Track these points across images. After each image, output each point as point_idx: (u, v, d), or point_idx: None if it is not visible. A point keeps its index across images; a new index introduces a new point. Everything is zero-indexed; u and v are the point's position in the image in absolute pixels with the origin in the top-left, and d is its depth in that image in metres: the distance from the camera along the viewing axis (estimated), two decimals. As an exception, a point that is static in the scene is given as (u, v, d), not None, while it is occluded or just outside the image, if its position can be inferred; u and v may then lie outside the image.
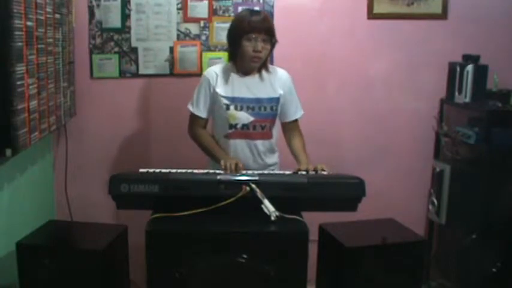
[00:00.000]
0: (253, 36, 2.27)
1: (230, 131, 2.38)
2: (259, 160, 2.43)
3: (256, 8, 2.94)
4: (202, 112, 2.42)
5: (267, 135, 2.42)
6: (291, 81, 2.47)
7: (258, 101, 2.37)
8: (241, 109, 2.36)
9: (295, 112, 2.48)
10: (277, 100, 2.40)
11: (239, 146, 2.39)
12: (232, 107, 2.35)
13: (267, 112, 2.38)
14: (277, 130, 2.49)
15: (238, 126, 2.37)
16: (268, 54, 2.35)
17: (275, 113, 2.41)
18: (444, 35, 3.14)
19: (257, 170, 2.36)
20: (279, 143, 2.53)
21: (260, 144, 2.41)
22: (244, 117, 2.36)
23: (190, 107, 2.44)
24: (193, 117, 2.45)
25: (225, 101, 2.36)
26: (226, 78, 2.39)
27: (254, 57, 2.31)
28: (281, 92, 2.41)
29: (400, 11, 3.10)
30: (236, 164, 2.17)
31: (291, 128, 2.49)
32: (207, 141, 2.42)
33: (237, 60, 2.40)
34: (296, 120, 2.50)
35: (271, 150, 2.47)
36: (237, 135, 2.38)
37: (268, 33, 2.29)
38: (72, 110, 2.88)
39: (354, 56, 3.15)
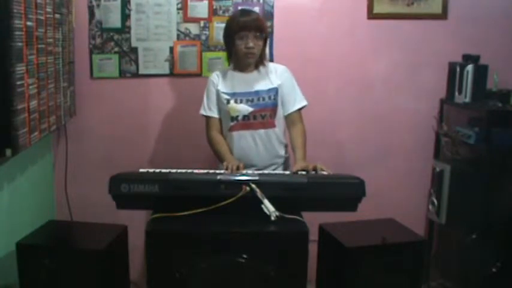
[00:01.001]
0: (244, 34, 2.35)
1: (232, 124, 2.43)
2: (265, 150, 2.45)
3: (255, 8, 2.96)
4: (214, 112, 2.48)
5: (269, 124, 2.45)
6: (289, 73, 2.51)
7: (257, 93, 2.43)
8: (241, 102, 2.42)
9: (295, 103, 2.49)
10: (275, 90, 2.44)
11: (242, 137, 2.43)
12: (232, 101, 2.42)
13: (265, 102, 2.43)
14: (282, 123, 2.51)
15: (239, 117, 2.42)
16: (261, 49, 2.42)
17: (274, 103, 2.44)
18: (444, 35, 3.14)
19: (263, 160, 2.43)
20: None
21: (263, 133, 2.44)
22: (244, 109, 2.41)
23: (202, 112, 2.50)
24: (207, 120, 2.51)
25: (226, 96, 2.43)
26: (226, 77, 2.48)
27: (247, 54, 2.39)
28: (279, 82, 2.46)
29: (400, 11, 3.10)
30: (238, 166, 2.18)
31: (292, 120, 2.50)
32: (218, 144, 2.46)
33: (234, 59, 2.47)
34: (297, 112, 2.50)
35: (279, 141, 2.49)
36: (239, 127, 2.43)
37: (258, 29, 2.37)
38: (72, 110, 2.88)
39: (354, 56, 3.15)
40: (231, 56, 2.49)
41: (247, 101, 2.42)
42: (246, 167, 2.28)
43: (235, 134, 2.44)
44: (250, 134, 2.44)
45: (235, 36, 2.37)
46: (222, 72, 2.51)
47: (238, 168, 2.17)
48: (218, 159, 2.45)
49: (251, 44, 2.36)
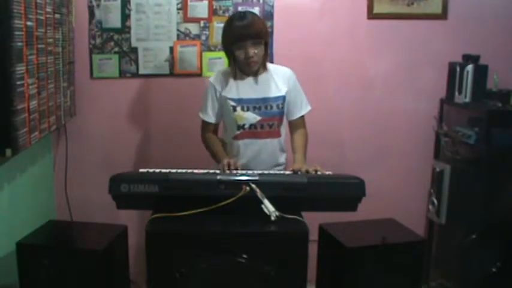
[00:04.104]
0: (242, 44, 2.28)
1: (238, 132, 2.39)
2: (267, 159, 2.43)
3: (255, 8, 2.95)
4: (211, 117, 2.44)
5: (275, 134, 2.42)
6: (295, 78, 2.47)
7: (264, 100, 2.38)
8: (248, 109, 2.37)
9: (301, 109, 2.47)
10: (283, 98, 2.40)
11: (248, 146, 2.40)
12: (238, 108, 2.36)
13: (273, 111, 2.39)
14: (285, 130, 2.49)
15: (246, 126, 2.38)
16: (263, 55, 2.35)
17: (282, 111, 2.41)
18: (444, 35, 3.14)
19: (266, 169, 2.36)
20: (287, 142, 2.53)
21: (269, 142, 2.41)
22: (251, 117, 2.37)
23: (200, 114, 2.47)
24: (203, 123, 2.48)
25: (232, 103, 2.37)
26: (231, 81, 2.40)
27: (249, 63, 2.32)
28: (286, 88, 2.41)
29: (400, 11, 3.10)
30: (229, 163, 2.17)
31: (296, 125, 2.49)
32: (213, 145, 2.44)
33: (235, 66, 2.39)
34: (301, 118, 2.49)
35: (281, 149, 2.48)
36: (245, 136, 2.39)
37: (256, 36, 2.28)
38: (72, 110, 2.88)
39: (354, 56, 3.15)
40: (233, 61, 2.38)
41: (255, 108, 2.36)
42: None
43: (241, 142, 2.40)
44: (257, 143, 2.40)
45: (233, 47, 2.30)
46: (224, 75, 2.43)
47: (229, 166, 2.16)
48: (213, 158, 2.43)
49: (251, 54, 2.28)
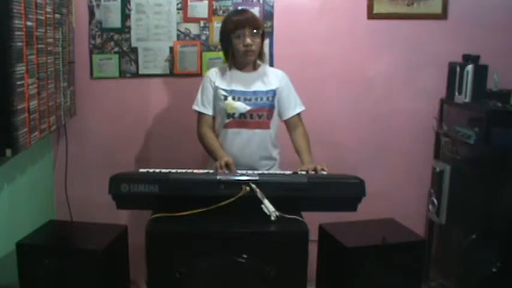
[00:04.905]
0: (240, 32, 2.34)
1: (228, 121, 2.42)
2: (257, 150, 2.44)
3: (255, 8, 2.95)
4: (207, 109, 2.47)
5: (265, 125, 2.44)
6: (288, 78, 2.51)
7: (255, 93, 2.43)
8: (239, 100, 2.41)
9: (295, 107, 2.50)
10: (273, 92, 2.44)
11: (237, 135, 2.43)
12: (230, 98, 2.41)
13: (263, 102, 2.42)
14: (276, 126, 2.50)
15: (236, 115, 2.41)
16: (260, 46, 2.41)
17: (272, 104, 2.44)
18: (444, 35, 3.14)
19: (255, 160, 2.42)
20: (280, 140, 2.54)
21: (258, 133, 2.43)
22: (241, 106, 2.40)
23: (195, 107, 2.49)
24: (199, 116, 2.49)
25: (224, 93, 2.42)
26: (224, 74, 2.47)
27: (247, 52, 2.37)
28: (277, 85, 2.46)
29: (400, 11, 3.10)
30: (226, 163, 2.19)
31: (293, 124, 2.51)
32: (209, 142, 2.44)
33: (232, 58, 2.45)
34: (297, 116, 2.51)
35: (272, 143, 2.49)
36: (235, 125, 2.42)
37: (253, 26, 2.35)
38: (72, 110, 2.88)
39: (354, 56, 3.15)
40: (228, 57, 2.47)
41: (245, 99, 2.41)
42: (237, 165, 2.27)
43: (230, 131, 2.43)
44: (246, 132, 2.42)
45: (231, 36, 2.36)
46: (220, 70, 2.50)
47: (227, 165, 2.18)
48: (210, 155, 2.43)
49: (249, 41, 2.34)
